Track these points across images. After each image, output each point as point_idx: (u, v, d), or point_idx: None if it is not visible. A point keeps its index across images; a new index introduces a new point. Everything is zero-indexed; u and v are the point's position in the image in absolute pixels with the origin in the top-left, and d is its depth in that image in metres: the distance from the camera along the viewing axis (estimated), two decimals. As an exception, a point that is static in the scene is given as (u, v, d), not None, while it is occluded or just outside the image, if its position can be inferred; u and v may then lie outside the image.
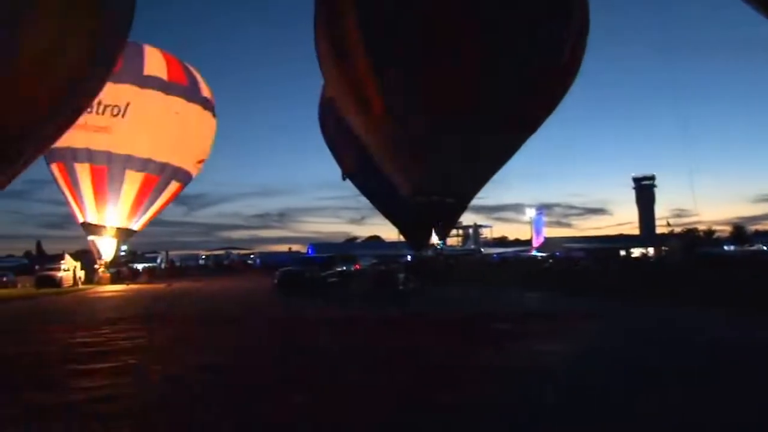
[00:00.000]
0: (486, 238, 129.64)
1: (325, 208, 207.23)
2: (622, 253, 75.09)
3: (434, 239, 40.01)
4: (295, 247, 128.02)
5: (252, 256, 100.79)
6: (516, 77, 21.21)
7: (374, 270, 32.53)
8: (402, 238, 43.31)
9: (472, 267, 56.50)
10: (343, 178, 36.40)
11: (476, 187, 26.38)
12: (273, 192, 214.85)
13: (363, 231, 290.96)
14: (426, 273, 33.65)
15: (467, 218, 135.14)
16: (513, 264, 58.35)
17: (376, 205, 37.93)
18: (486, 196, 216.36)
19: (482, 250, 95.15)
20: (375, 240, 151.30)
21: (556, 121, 24.93)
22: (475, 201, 28.63)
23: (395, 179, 26.64)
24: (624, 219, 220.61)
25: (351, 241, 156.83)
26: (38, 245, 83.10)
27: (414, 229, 35.50)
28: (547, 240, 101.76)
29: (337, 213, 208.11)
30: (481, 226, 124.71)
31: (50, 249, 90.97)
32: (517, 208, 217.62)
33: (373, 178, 32.16)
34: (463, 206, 27.63)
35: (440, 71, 20.70)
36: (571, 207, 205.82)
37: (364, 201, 39.86)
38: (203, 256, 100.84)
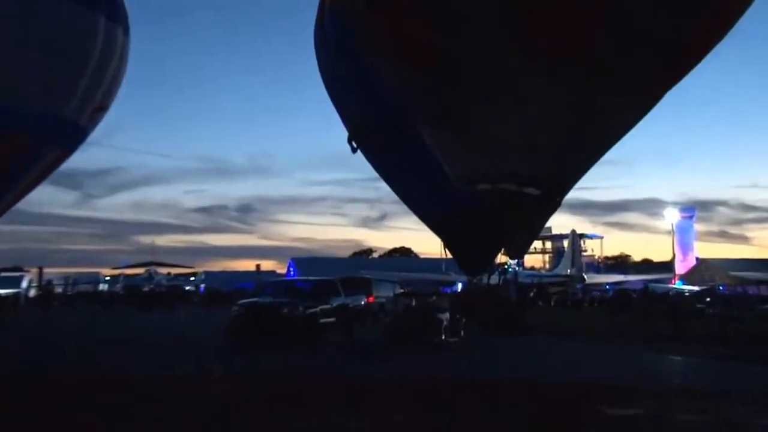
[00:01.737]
0: (594, 256, 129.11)
1: (320, 199, 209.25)
2: None
3: (503, 257, 39.92)
4: (266, 265, 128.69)
5: (192, 278, 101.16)
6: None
7: (399, 306, 32.49)
8: (448, 254, 43.04)
9: (568, 305, 56.36)
10: (353, 149, 36.13)
11: (577, 170, 26.12)
12: (230, 170, 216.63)
13: (382, 239, 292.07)
14: (488, 314, 33.54)
15: (561, 222, 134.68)
16: (640, 303, 57.82)
17: (404, 197, 37.85)
18: (594, 185, 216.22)
19: (585, 276, 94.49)
20: (402, 255, 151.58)
21: (715, 69, 24.58)
22: (576, 193, 28.47)
23: (442, 153, 26.49)
24: None
25: (362, 255, 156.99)
26: None
27: (469, 238, 35.32)
28: (703, 263, 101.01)
29: (339, 208, 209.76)
30: (584, 236, 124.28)
31: None
32: (650, 206, 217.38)
33: (403, 148, 32.03)
34: (553, 202, 27.43)
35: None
36: (747, 207, 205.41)
37: (385, 190, 39.60)
38: (107, 278, 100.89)
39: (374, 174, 37.66)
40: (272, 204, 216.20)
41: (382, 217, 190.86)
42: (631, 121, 25.02)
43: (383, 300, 41.01)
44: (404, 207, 38.75)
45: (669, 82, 24.42)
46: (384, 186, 38.17)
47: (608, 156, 26.31)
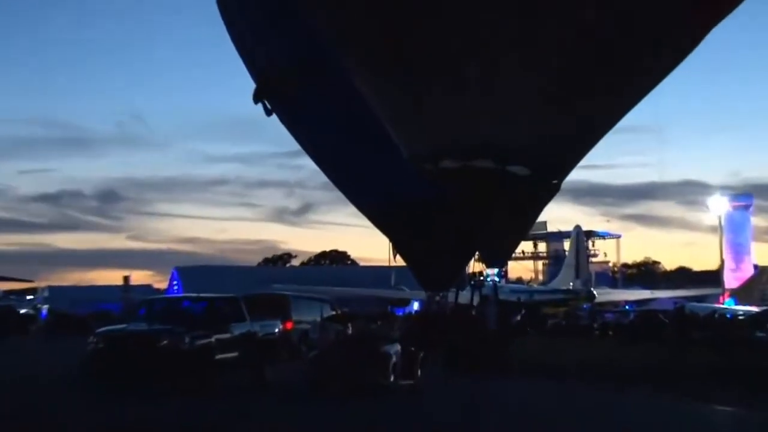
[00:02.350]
0: (607, 263, 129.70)
1: (217, 182, 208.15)
2: None
3: (477, 265, 40.19)
4: (138, 277, 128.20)
5: (31, 296, 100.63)
6: None
7: (329, 335, 32.61)
8: (399, 260, 43.11)
9: (571, 333, 56.59)
10: (267, 110, 36.04)
11: (581, 141, 26.31)
12: (86, 141, 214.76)
13: (306, 240, 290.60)
14: (456, 346, 33.70)
15: (560, 215, 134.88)
16: (673, 329, 57.96)
17: (338, 179, 37.93)
18: (607, 161, 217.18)
19: (595, 292, 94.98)
20: (334, 262, 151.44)
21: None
22: (581, 173, 28.68)
23: (392, 118, 26.63)
24: None
25: (277, 262, 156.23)
26: None
27: (429, 238, 35.52)
28: (763, 273, 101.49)
29: (244, 195, 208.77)
30: (593, 234, 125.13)
31: None
32: (687, 192, 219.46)
33: (337, 109, 32.13)
34: (549, 186, 27.63)
35: None
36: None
37: (311, 169, 39.02)
38: None
39: (295, 146, 37.71)
40: (148, 189, 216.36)
41: (306, 209, 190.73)
42: (647, 87, 25.34)
43: (307, 326, 40.83)
44: (337, 193, 39.00)
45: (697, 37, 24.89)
46: (309, 163, 38.23)
47: (629, 119, 26.63)
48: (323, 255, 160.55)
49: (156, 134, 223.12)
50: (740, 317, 66.54)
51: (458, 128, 24.22)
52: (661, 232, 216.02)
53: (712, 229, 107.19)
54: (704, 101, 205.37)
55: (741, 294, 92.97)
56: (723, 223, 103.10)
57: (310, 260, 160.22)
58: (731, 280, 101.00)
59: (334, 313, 44.06)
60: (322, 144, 36.66)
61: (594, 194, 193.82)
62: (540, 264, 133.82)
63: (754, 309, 73.17)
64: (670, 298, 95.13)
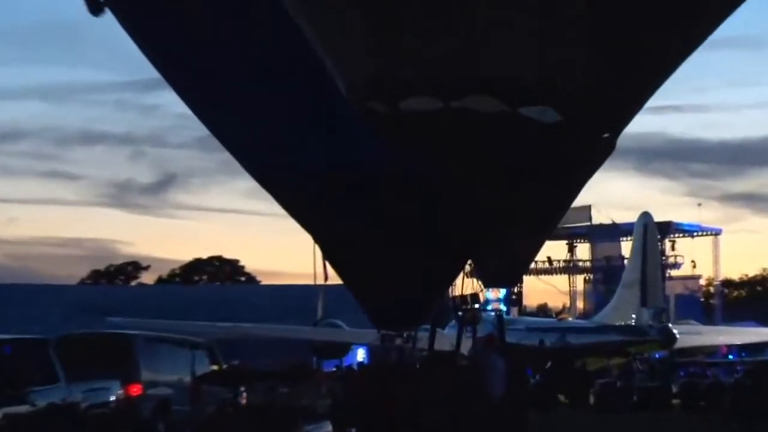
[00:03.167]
0: (696, 279, 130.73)
1: (6, 136, 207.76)
2: None
3: (469, 283, 40.45)
4: None
5: None
6: None
7: (206, 406, 32.83)
8: (331, 276, 43.16)
9: (631, 402, 57.36)
10: (96, 6, 36.07)
11: (651, 68, 26.48)
12: None
13: (166, 239, 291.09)
14: (428, 427, 33.86)
15: (614, 194, 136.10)
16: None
17: (226, 132, 38.05)
18: (698, 101, 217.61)
19: (674, 331, 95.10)
20: (215, 278, 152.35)
21: None
22: (649, 120, 28.93)
23: (321, 30, 26.79)
24: None
25: (113, 278, 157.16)
26: None
27: (383, 239, 35.69)
28: None
29: (54, 158, 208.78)
30: (672, 228, 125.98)
31: None
32: None
33: (227, 14, 32.30)
34: (594, 142, 27.74)
35: None
36: None
37: (174, 114, 38.99)
38: None
39: (149, 71, 37.61)
40: None
41: (166, 183, 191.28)
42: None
43: (168, 390, 40.79)
44: (224, 154, 39.00)
45: None
46: (172, 101, 38.50)
47: (732, 26, 26.86)
48: (197, 265, 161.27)
49: None
50: None
51: (438, 42, 24.03)
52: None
53: None
54: None
55: None
56: None
57: (173, 274, 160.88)
58: None
59: (215, 368, 44.05)
60: (199, 67, 36.33)
61: (674, 157, 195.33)
62: (579, 281, 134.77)
63: None
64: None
